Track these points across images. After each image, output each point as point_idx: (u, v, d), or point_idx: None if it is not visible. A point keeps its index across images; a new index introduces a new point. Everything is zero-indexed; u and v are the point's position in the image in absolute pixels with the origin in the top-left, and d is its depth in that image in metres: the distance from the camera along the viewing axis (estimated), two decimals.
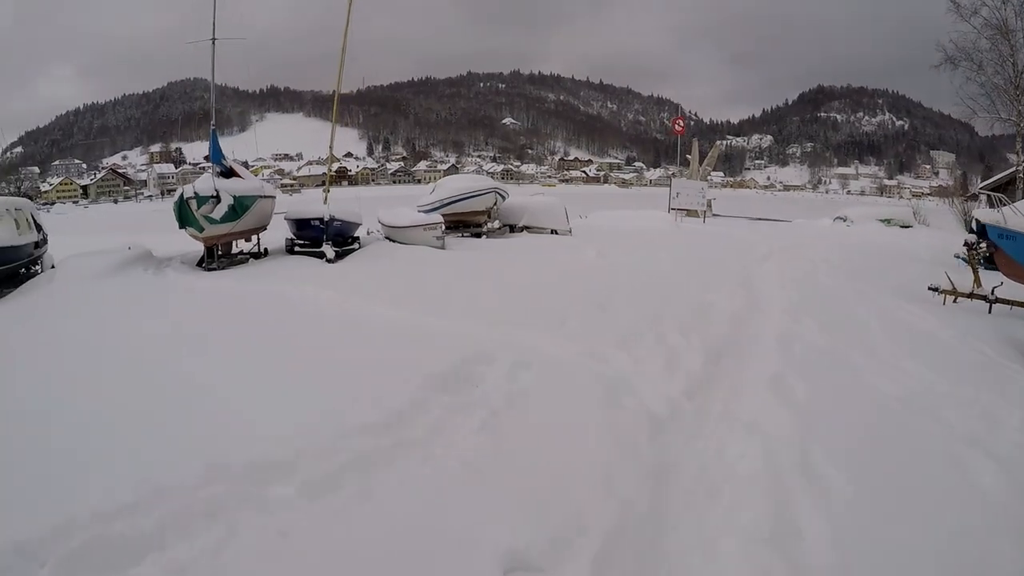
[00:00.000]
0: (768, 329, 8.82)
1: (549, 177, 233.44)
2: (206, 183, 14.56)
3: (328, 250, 14.68)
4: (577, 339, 7.90)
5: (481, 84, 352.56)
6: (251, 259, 15.50)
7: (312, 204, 16.45)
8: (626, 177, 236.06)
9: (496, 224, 20.22)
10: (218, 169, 16.35)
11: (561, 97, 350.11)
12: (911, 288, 12.27)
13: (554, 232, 20.87)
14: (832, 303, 10.96)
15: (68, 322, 8.90)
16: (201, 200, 13.99)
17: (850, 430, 5.36)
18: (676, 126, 35.63)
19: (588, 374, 6.59)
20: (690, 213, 30.96)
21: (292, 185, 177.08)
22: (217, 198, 14.10)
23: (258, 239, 16.70)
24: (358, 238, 16.99)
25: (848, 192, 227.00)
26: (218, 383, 5.91)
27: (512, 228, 21.17)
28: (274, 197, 17.48)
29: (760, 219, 39.79)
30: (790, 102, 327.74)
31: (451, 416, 5.38)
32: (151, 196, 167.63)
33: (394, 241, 16.74)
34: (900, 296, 11.70)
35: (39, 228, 14.00)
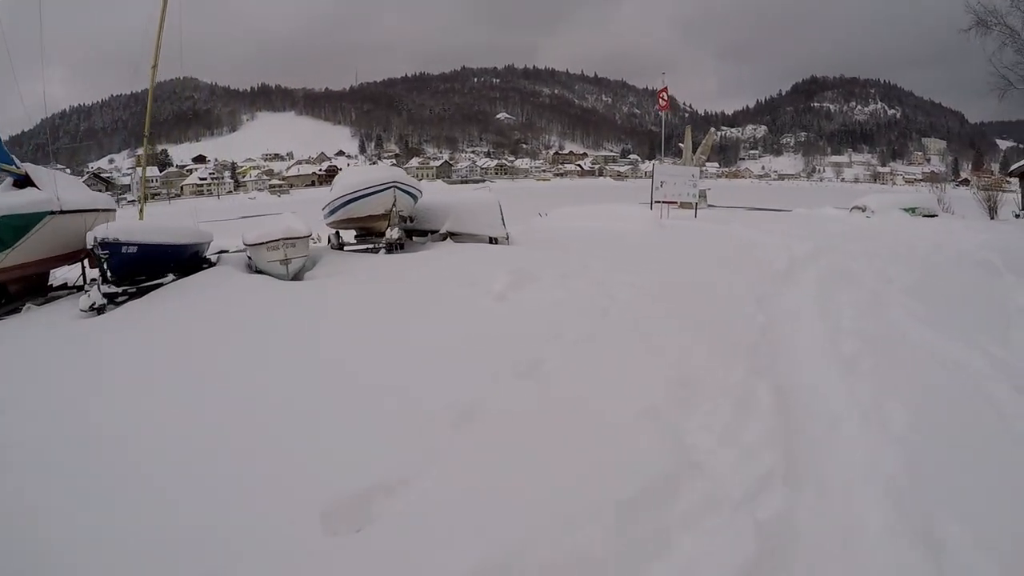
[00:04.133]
0: None
1: (544, 171, 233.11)
2: None
3: (86, 297, 9.45)
4: None
5: (475, 79, 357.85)
6: (29, 305, 10.65)
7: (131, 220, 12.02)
8: (621, 170, 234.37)
9: (395, 234, 14.45)
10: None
11: (555, 91, 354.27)
12: None
13: (493, 241, 15.42)
14: (992, 443, 4.59)
15: None
16: None
17: None
18: (660, 100, 29.32)
19: None
20: (683, 205, 25.30)
21: (281, 186, 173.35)
22: None
23: (83, 269, 12.36)
24: (205, 260, 12.89)
25: (842, 180, 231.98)
26: None
27: (446, 236, 15.56)
28: (112, 210, 13.06)
29: (758, 208, 37.17)
30: (784, 93, 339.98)
31: None
32: (134, 201, 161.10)
33: (253, 267, 12.08)
34: None
35: None
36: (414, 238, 16.04)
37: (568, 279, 9.91)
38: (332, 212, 14.71)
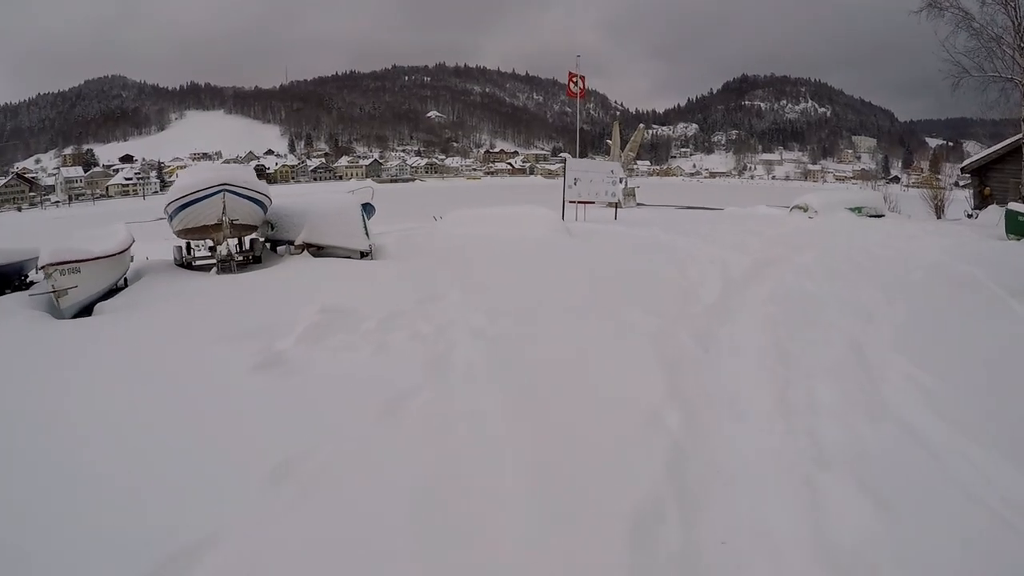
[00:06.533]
0: None
1: (474, 170, 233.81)
2: None
3: None
4: None
5: (406, 78, 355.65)
6: None
7: None
8: (552, 168, 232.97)
9: (223, 250, 11.51)
10: None
11: (487, 89, 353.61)
12: None
13: (364, 255, 12.29)
14: None
15: None
16: None
17: None
18: (571, 85, 25.27)
19: None
20: (611, 203, 21.97)
21: None
22: None
23: None
24: (11, 283, 10.31)
25: (773, 178, 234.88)
26: None
27: (303, 248, 12.33)
28: None
29: (689, 207, 35.14)
30: (715, 91, 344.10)
31: None
32: (58, 202, 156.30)
33: None
34: None
35: None
36: (278, 249, 13.36)
37: (397, 323, 6.58)
38: (171, 220, 11.68)
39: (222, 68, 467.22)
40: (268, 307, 7.68)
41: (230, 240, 12.47)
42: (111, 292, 10.00)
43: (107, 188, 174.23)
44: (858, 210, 24.49)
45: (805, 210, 24.34)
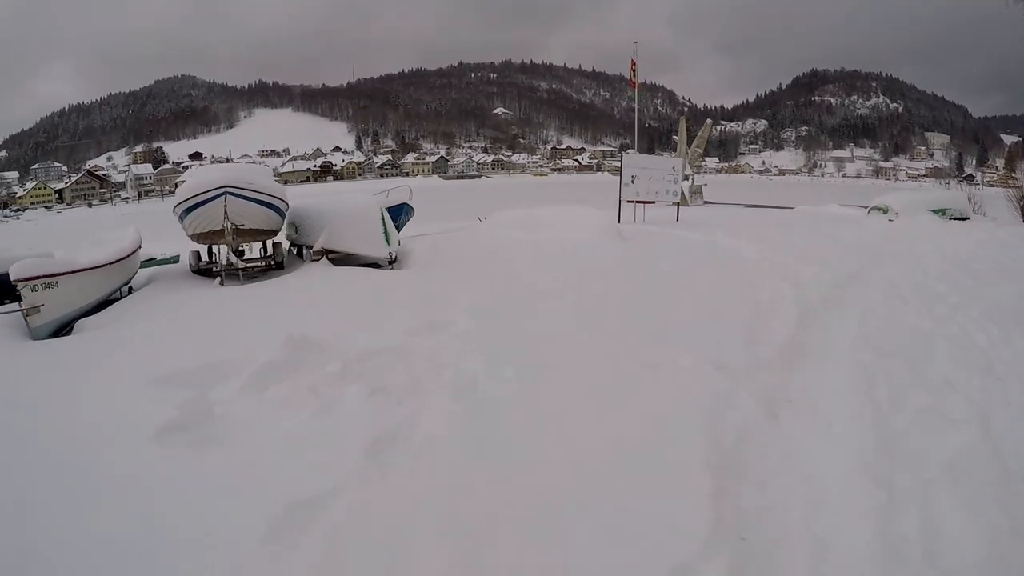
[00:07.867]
0: None
1: (541, 167, 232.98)
2: None
3: None
4: None
5: (472, 74, 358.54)
6: None
7: None
8: (619, 164, 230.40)
9: (222, 259, 10.79)
10: None
11: (553, 86, 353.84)
12: None
13: (390, 263, 11.20)
14: None
15: None
16: None
17: None
18: (632, 75, 23.79)
19: None
20: (674, 203, 20.27)
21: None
22: None
23: None
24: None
25: (844, 175, 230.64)
26: None
27: (322, 254, 11.52)
28: None
29: (758, 206, 33.63)
30: (784, 86, 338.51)
31: None
32: (128, 199, 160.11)
33: None
34: None
35: None
36: (304, 254, 12.90)
37: (368, 366, 5.26)
38: (181, 223, 10.89)
39: (290, 67, 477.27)
40: (238, 332, 6.65)
41: (253, 244, 11.97)
42: (110, 302, 9.24)
43: (175, 184, 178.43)
44: (941, 212, 22.31)
45: (885, 212, 22.31)
